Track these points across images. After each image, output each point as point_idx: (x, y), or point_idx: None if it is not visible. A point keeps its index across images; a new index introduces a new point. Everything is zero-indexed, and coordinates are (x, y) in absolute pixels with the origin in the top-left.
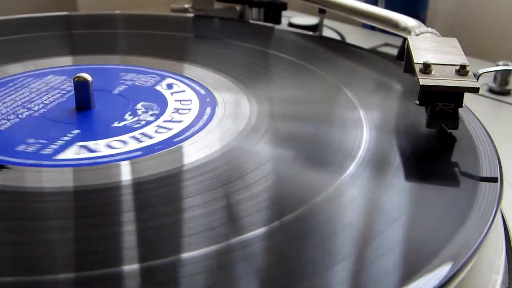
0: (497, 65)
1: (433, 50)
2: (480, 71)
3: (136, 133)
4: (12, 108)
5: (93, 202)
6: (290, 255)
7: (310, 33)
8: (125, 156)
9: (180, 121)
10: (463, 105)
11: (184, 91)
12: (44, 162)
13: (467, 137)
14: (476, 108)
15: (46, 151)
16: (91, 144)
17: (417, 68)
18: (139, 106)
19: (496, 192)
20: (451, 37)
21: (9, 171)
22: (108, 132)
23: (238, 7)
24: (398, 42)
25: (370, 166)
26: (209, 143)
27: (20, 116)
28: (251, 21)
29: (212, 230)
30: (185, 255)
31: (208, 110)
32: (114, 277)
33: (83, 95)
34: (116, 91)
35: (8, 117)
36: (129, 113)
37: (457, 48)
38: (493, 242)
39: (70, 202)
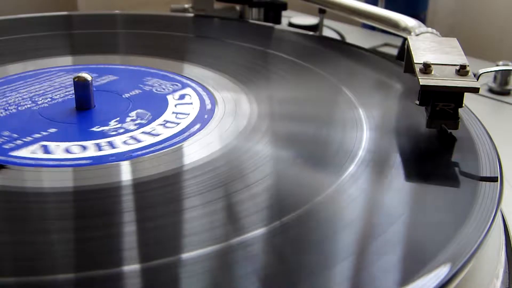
0: (497, 65)
1: (433, 50)
2: (480, 71)
3: (103, 141)
4: (21, 98)
5: (93, 202)
6: (290, 255)
7: (310, 33)
8: (69, 162)
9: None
10: (463, 105)
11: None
12: None
13: (467, 137)
14: (476, 108)
15: (8, 145)
16: (52, 145)
17: (417, 68)
18: (132, 113)
19: (496, 192)
20: (451, 37)
21: None
22: (80, 136)
23: (238, 7)
24: (398, 42)
25: (370, 166)
26: (209, 143)
27: (19, 108)
28: (251, 21)
29: (212, 230)
30: (185, 255)
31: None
32: (114, 277)
33: (82, 95)
34: (127, 95)
35: (9, 107)
36: (116, 119)
37: (457, 48)
38: (493, 242)
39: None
